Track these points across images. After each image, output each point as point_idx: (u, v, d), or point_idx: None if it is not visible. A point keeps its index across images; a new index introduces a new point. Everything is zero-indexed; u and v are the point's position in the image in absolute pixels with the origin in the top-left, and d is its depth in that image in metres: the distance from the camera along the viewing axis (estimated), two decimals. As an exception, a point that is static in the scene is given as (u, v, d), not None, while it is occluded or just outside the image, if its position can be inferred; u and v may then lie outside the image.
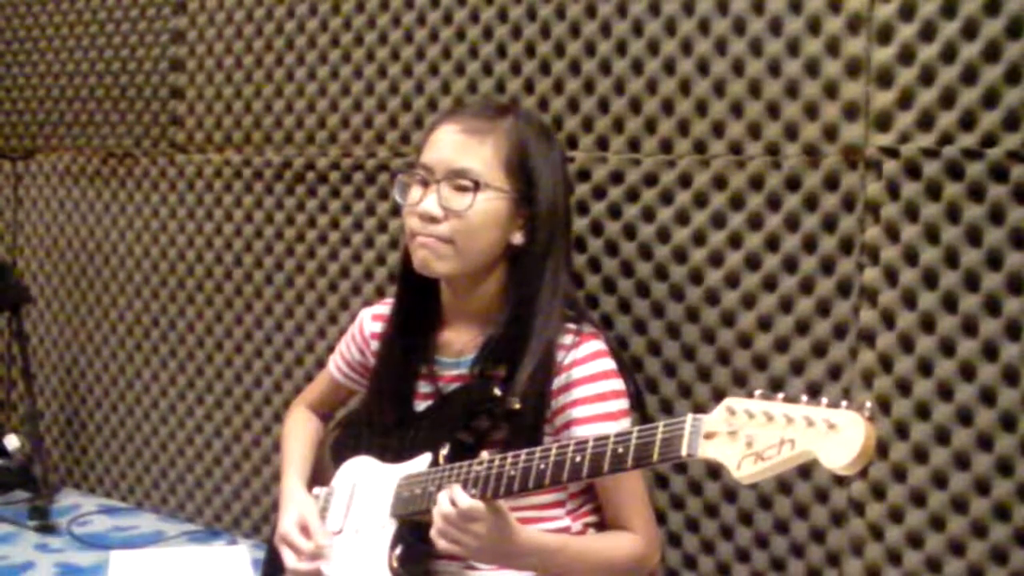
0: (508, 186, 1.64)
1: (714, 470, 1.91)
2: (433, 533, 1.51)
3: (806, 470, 1.81)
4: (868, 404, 1.21)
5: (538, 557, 1.57)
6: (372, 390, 1.84)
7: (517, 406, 1.60)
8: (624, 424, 1.62)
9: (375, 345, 1.83)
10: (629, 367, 1.72)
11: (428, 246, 1.64)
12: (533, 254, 1.66)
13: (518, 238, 1.67)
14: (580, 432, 1.59)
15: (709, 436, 1.29)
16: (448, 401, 1.71)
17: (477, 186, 1.62)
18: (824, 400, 1.22)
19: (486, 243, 1.64)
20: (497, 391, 1.61)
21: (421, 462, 1.64)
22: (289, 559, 1.71)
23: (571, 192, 1.90)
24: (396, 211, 2.29)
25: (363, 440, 1.78)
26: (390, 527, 1.63)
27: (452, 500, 1.48)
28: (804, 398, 1.24)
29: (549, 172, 1.68)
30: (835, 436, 1.19)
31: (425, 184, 1.65)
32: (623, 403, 1.64)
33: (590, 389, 1.62)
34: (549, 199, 1.67)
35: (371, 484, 1.70)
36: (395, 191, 1.72)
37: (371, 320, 1.86)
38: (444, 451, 1.62)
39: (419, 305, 1.76)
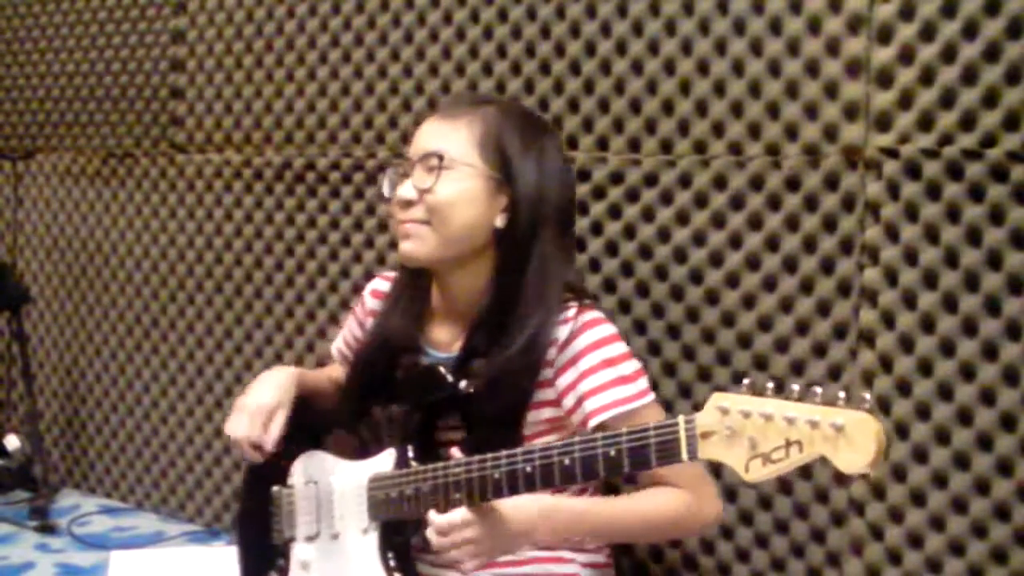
0: (481, 165, 1.62)
1: (714, 470, 1.91)
2: (437, 549, 1.49)
3: (806, 470, 1.81)
4: (867, 397, 1.21)
5: (557, 527, 1.53)
6: (353, 372, 1.82)
7: (471, 390, 1.59)
8: (642, 384, 1.60)
9: (371, 322, 1.83)
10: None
11: (407, 232, 1.63)
12: (515, 238, 1.63)
13: (500, 221, 1.64)
14: (594, 403, 1.57)
15: (706, 436, 1.29)
16: (401, 391, 1.70)
17: (441, 160, 1.60)
18: (818, 391, 1.22)
19: (462, 221, 1.62)
20: (449, 377, 1.60)
21: (386, 459, 1.63)
22: (238, 428, 1.71)
23: (570, 182, 1.84)
24: (396, 211, 2.30)
25: (312, 432, 1.77)
26: (373, 532, 1.62)
27: (435, 530, 1.47)
28: (795, 388, 1.24)
29: (529, 156, 1.65)
30: (845, 439, 1.19)
31: (406, 175, 1.66)
32: (636, 364, 1.62)
33: (596, 356, 1.60)
34: (529, 183, 1.64)
35: (336, 485, 1.68)
36: (382, 187, 1.72)
37: (370, 297, 1.88)
38: (410, 451, 1.61)
39: (412, 299, 1.76)
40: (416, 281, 1.75)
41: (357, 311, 1.90)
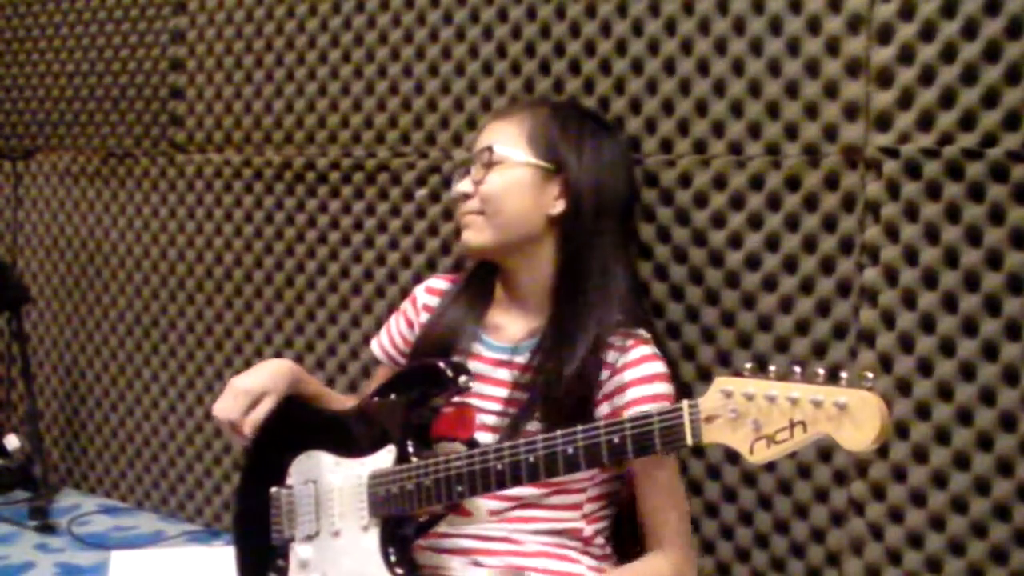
0: (530, 157, 1.69)
1: (714, 470, 1.91)
2: None
3: (806, 470, 1.81)
4: (870, 375, 1.22)
5: None
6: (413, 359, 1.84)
7: (471, 385, 1.62)
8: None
9: (425, 317, 1.85)
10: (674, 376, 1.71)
11: (465, 223, 1.72)
12: (570, 226, 1.69)
13: (558, 207, 1.69)
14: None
15: (710, 420, 1.30)
16: (398, 387, 1.71)
17: (491, 152, 1.69)
18: (820, 371, 1.22)
19: (513, 208, 1.68)
20: (449, 372, 1.62)
21: (385, 456, 1.64)
22: (222, 409, 1.73)
23: (628, 179, 1.85)
24: (395, 211, 2.30)
25: (308, 430, 1.77)
26: (374, 528, 1.62)
27: None
28: (797, 369, 1.24)
29: (581, 148, 1.71)
30: (848, 417, 1.20)
31: (467, 174, 1.75)
32: None
33: (644, 391, 1.62)
34: (578, 172, 1.69)
35: (335, 482, 1.68)
36: (452, 187, 1.80)
37: (425, 293, 1.88)
38: (410, 446, 1.62)
39: (475, 295, 1.79)
40: (480, 278, 1.80)
41: (406, 309, 1.91)
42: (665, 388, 1.63)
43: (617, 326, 1.66)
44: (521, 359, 1.70)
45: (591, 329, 1.64)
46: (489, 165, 1.70)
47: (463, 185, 1.73)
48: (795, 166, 1.80)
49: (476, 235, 1.71)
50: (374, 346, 1.95)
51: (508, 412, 1.67)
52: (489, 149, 1.70)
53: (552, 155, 1.69)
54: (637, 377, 1.62)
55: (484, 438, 1.66)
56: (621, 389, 1.62)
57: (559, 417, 1.53)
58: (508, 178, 1.69)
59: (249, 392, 1.73)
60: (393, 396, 1.69)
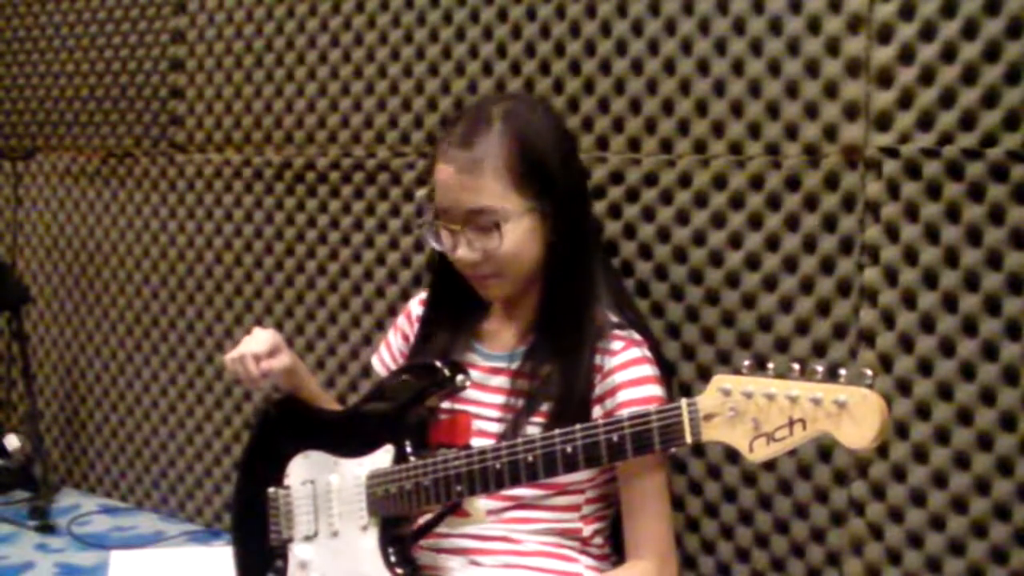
0: (525, 202, 1.60)
1: (714, 470, 1.91)
2: None
3: (806, 470, 1.81)
4: (868, 372, 1.21)
5: None
6: None
7: (468, 384, 1.62)
8: None
9: (419, 330, 1.84)
10: (668, 380, 1.70)
11: (484, 285, 1.67)
12: (566, 234, 1.65)
13: (554, 235, 1.66)
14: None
15: (708, 418, 1.30)
16: (394, 386, 1.70)
17: (498, 225, 1.59)
18: (819, 368, 1.22)
19: (530, 259, 1.64)
20: (447, 371, 1.62)
21: (383, 456, 1.63)
22: (250, 344, 1.73)
23: (585, 175, 1.86)
24: (395, 211, 2.30)
25: (305, 431, 1.77)
26: (373, 528, 1.62)
27: None
28: (795, 366, 1.24)
29: (565, 160, 1.67)
30: (848, 415, 1.20)
31: (453, 232, 1.63)
32: None
33: (634, 393, 1.61)
34: (572, 184, 1.67)
35: (334, 483, 1.68)
36: (429, 240, 1.68)
37: (419, 305, 1.87)
38: (408, 446, 1.62)
39: (455, 294, 1.76)
40: (463, 287, 1.74)
41: (402, 324, 1.89)
42: (656, 390, 1.62)
43: (610, 327, 1.65)
44: (516, 366, 1.70)
45: (588, 331, 1.64)
46: (494, 231, 1.59)
47: (464, 254, 1.62)
48: (795, 166, 1.80)
49: (500, 291, 1.67)
50: (375, 362, 1.94)
51: (506, 419, 1.67)
52: (485, 216, 1.59)
53: (545, 187, 1.61)
54: (627, 380, 1.62)
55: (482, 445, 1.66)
56: (612, 392, 1.62)
57: (565, 423, 1.51)
58: (519, 235, 1.61)
59: (272, 334, 1.75)
60: (389, 395, 1.69)
